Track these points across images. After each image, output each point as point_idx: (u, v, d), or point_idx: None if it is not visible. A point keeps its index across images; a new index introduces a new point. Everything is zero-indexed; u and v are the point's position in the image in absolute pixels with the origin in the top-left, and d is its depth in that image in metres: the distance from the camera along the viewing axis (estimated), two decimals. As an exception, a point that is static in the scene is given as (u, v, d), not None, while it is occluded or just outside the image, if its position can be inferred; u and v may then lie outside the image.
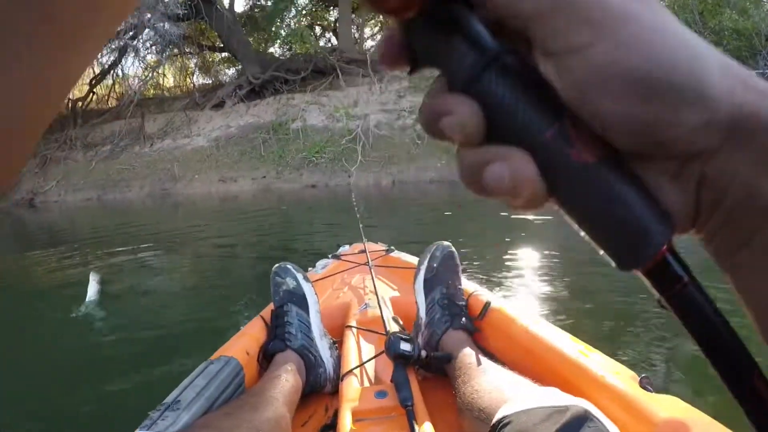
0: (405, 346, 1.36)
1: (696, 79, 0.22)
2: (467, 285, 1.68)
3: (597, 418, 0.79)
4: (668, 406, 0.95)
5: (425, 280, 1.58)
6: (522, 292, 3.66)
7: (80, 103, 15.79)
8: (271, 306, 1.62)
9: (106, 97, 17.41)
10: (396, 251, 2.38)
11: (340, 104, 13.09)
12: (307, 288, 1.59)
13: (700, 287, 0.26)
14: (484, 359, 1.27)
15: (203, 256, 5.99)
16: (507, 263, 4.33)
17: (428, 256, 1.61)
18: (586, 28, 0.22)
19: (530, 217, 6.50)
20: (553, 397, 0.88)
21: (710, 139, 0.23)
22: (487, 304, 1.54)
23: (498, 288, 3.61)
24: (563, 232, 5.74)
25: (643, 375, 1.06)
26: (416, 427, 1.10)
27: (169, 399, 1.11)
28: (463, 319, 1.51)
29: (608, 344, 2.68)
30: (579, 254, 4.50)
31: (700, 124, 0.23)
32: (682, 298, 0.26)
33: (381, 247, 2.47)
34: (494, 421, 0.90)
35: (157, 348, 3.20)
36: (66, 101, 15.63)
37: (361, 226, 2.40)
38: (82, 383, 2.85)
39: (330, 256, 2.39)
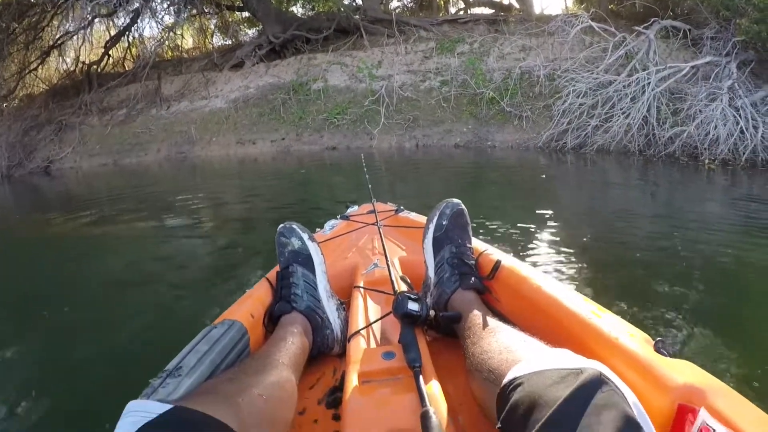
0: (413, 306, 1.36)
1: None
2: (477, 244, 1.66)
3: (612, 381, 0.78)
4: (684, 372, 0.94)
5: (434, 239, 1.57)
6: (535, 253, 3.65)
7: (95, 67, 15.78)
8: (277, 268, 1.62)
9: (122, 60, 17.40)
10: (405, 211, 2.37)
11: (364, 65, 12.96)
12: (312, 248, 1.58)
13: None
14: (493, 319, 1.26)
15: (218, 219, 6.03)
16: (523, 227, 4.31)
17: (437, 213, 1.59)
18: None
19: (554, 186, 6.49)
20: (566, 358, 0.87)
21: None
22: (498, 263, 1.52)
23: (510, 250, 3.59)
24: (584, 201, 5.73)
25: (658, 338, 1.04)
26: (424, 389, 1.09)
27: (170, 365, 1.11)
28: (473, 278, 1.50)
29: (622, 307, 2.68)
30: (597, 222, 4.49)
31: None
32: None
33: (390, 207, 2.45)
34: (504, 382, 0.90)
35: (164, 312, 3.24)
36: (80, 66, 15.69)
37: (369, 186, 2.39)
38: (82, 346, 2.91)
39: (338, 216, 2.38)
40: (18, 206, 9.23)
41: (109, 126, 13.61)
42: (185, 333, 1.27)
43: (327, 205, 5.85)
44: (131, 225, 6.00)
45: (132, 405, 0.83)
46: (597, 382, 0.76)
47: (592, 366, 0.80)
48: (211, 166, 11.06)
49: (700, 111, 7.62)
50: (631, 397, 0.76)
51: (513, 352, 1.01)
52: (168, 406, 0.80)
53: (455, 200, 1.62)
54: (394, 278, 1.55)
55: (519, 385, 0.84)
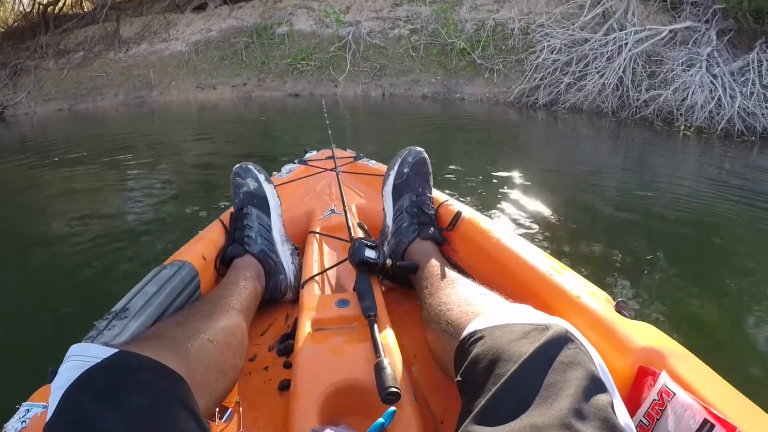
0: (370, 253, 1.35)
1: None
2: (438, 194, 1.65)
3: (578, 339, 0.77)
4: (645, 334, 0.94)
5: (394, 186, 1.56)
6: (497, 208, 3.67)
7: (52, 8, 15.21)
8: (231, 209, 1.60)
9: (80, 1, 16.80)
10: (365, 158, 2.35)
11: (331, 9, 12.70)
12: (268, 190, 1.56)
13: None
14: (452, 271, 1.26)
15: (174, 164, 5.95)
16: (487, 181, 4.34)
17: (399, 160, 1.58)
18: None
19: (522, 142, 6.52)
20: (528, 314, 0.86)
21: None
22: (458, 214, 1.52)
23: (472, 203, 3.61)
24: (552, 159, 5.77)
25: (619, 299, 1.05)
26: (378, 338, 1.10)
27: (117, 307, 1.09)
28: (432, 228, 1.50)
29: (584, 266, 2.72)
30: (564, 180, 4.54)
31: None
32: None
33: (350, 153, 2.43)
34: (464, 335, 0.89)
35: (115, 255, 3.21)
36: (36, 6, 15.14)
37: (329, 132, 2.36)
38: (28, 288, 2.88)
39: (296, 161, 2.35)
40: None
41: (65, 69, 13.17)
42: (136, 276, 1.24)
43: (287, 151, 5.80)
44: (86, 169, 5.88)
45: (74, 348, 0.81)
46: (563, 339, 0.75)
47: (558, 323, 0.80)
48: (170, 111, 10.84)
49: (678, 76, 7.62)
50: (596, 357, 0.77)
51: (472, 305, 1.01)
52: (112, 350, 0.78)
53: (418, 148, 1.60)
54: (351, 224, 1.54)
55: (480, 338, 0.84)
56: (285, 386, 1.18)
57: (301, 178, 2.17)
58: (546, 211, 3.66)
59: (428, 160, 1.60)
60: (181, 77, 12.38)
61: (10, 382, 1.96)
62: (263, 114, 9.65)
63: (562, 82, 8.63)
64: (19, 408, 0.97)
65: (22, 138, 9.32)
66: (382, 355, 1.03)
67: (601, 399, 0.67)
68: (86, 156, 6.59)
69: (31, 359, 2.14)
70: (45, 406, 0.93)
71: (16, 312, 2.66)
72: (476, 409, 0.71)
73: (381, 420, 0.92)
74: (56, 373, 0.83)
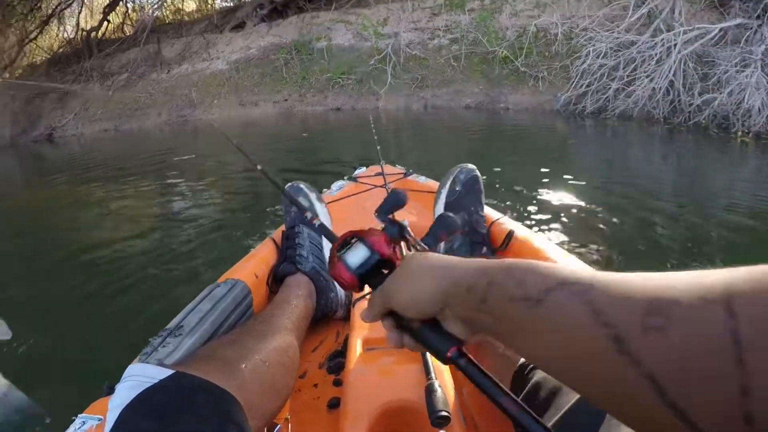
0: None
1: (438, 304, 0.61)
2: (490, 212, 1.65)
3: None
4: None
5: (446, 204, 1.57)
6: (548, 223, 3.62)
7: (94, 33, 15.77)
8: (282, 228, 1.63)
9: (121, 25, 17.35)
10: (415, 174, 2.35)
11: (369, 22, 12.79)
12: (319, 208, 1.58)
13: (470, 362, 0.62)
14: None
15: (221, 182, 6.05)
16: (536, 195, 4.28)
17: (450, 178, 1.58)
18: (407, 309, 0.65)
19: (571, 152, 6.40)
20: None
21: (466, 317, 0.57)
22: (511, 234, 1.51)
23: (522, 218, 3.58)
24: (602, 170, 5.64)
25: None
26: (430, 360, 1.09)
27: (171, 324, 1.11)
28: (485, 248, 1.50)
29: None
30: (614, 193, 4.43)
31: (462, 317, 0.58)
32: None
33: (399, 170, 2.43)
34: (522, 360, 0.89)
35: (167, 274, 3.28)
36: (80, 33, 15.71)
37: (378, 147, 2.38)
38: (86, 306, 2.96)
39: (346, 178, 2.37)
40: (23, 173, 9.32)
41: (110, 91, 13.58)
42: (188, 294, 1.27)
43: (332, 168, 5.83)
44: (133, 188, 6.05)
45: (132, 369, 0.84)
46: None
47: None
48: (213, 129, 11.04)
49: (732, 78, 7.28)
50: None
51: None
52: (169, 372, 0.81)
53: (470, 165, 1.60)
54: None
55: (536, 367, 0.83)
56: (334, 404, 1.20)
57: (352, 195, 2.19)
58: (598, 226, 3.60)
59: (480, 178, 1.60)
60: (223, 95, 12.61)
61: (67, 394, 2.03)
62: (306, 129, 9.74)
63: (609, 88, 8.47)
64: (74, 420, 1.00)
65: (71, 158, 9.59)
66: (433, 377, 1.02)
67: None
68: (133, 174, 6.76)
69: (87, 373, 2.20)
70: (100, 419, 0.96)
71: (71, 327, 2.74)
72: None
73: None
74: (111, 388, 0.86)
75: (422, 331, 0.65)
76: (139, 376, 0.80)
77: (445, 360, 0.63)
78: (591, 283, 0.42)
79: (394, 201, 0.87)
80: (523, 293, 0.47)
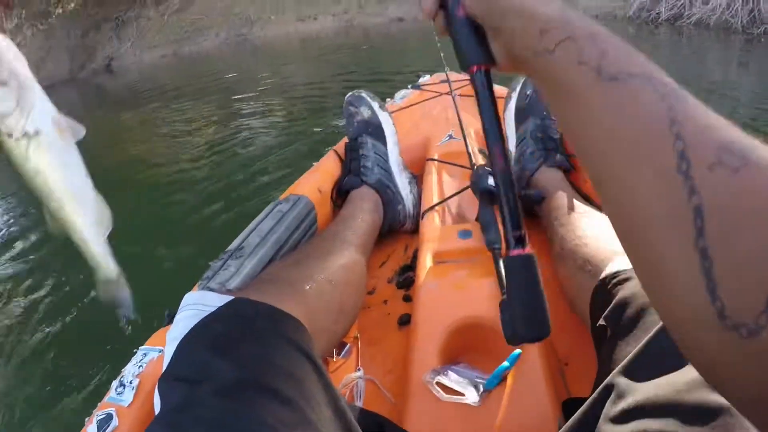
0: (493, 182, 1.30)
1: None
2: None
3: None
4: None
5: (517, 109, 1.50)
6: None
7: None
8: (345, 139, 1.59)
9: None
10: None
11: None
12: (383, 117, 1.53)
13: None
14: (583, 203, 1.20)
15: (282, 100, 6.08)
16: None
17: (521, 81, 1.51)
18: None
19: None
20: None
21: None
22: None
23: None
24: (678, 73, 5.34)
25: None
26: (503, 273, 1.06)
27: (232, 246, 1.09)
28: (559, 155, 1.43)
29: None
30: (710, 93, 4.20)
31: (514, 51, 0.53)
32: None
33: (465, 76, 2.33)
34: (605, 274, 0.85)
35: (230, 194, 3.32)
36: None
37: (442, 54, 2.29)
38: (149, 232, 3.06)
39: (409, 86, 2.30)
40: (86, 107, 9.51)
41: (165, 15, 13.59)
42: (253, 214, 1.25)
43: (396, 78, 5.74)
44: (196, 112, 6.13)
45: (189, 297, 0.83)
46: None
47: None
48: (272, 47, 11.02)
49: None
50: None
51: (612, 242, 0.94)
52: (228, 298, 0.79)
53: None
54: (471, 151, 1.48)
55: (625, 279, 0.79)
56: (405, 321, 1.18)
57: (416, 103, 2.12)
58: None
59: None
60: (281, 11, 12.50)
61: (132, 324, 2.09)
62: (367, 42, 9.60)
63: None
64: (136, 352, 0.99)
65: (131, 87, 9.76)
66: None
67: None
68: (194, 98, 6.85)
69: (147, 302, 2.27)
70: (161, 350, 0.96)
71: (132, 255, 2.81)
72: (626, 360, 0.66)
73: (506, 364, 0.90)
74: (172, 316, 0.85)
75: (460, 24, 0.59)
76: (197, 305, 0.79)
77: (465, 68, 0.61)
78: (678, 94, 0.37)
79: None
80: (598, 64, 0.42)
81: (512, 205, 0.58)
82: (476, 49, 0.58)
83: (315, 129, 4.44)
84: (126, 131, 6.11)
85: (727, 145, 0.32)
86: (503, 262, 0.61)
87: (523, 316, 0.59)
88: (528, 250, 0.58)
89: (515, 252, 0.58)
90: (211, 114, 5.92)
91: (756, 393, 0.31)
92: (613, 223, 0.41)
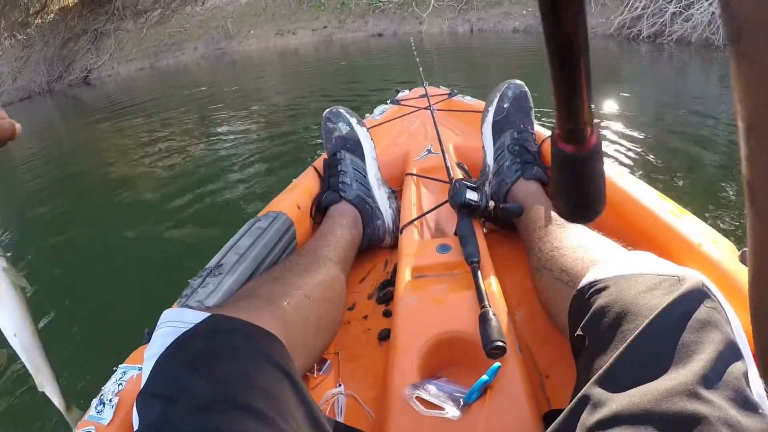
0: (472, 195, 1.31)
1: None
2: (541, 130, 1.57)
3: (714, 295, 0.71)
4: None
5: (494, 122, 1.51)
6: (605, 145, 3.50)
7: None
8: (324, 156, 1.59)
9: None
10: (459, 95, 2.27)
11: (410, -60, 12.44)
12: (361, 132, 1.54)
13: None
14: (558, 216, 1.22)
15: (260, 114, 6.07)
16: (604, 113, 4.17)
17: (498, 95, 1.51)
18: None
19: (624, 77, 6.20)
20: (655, 263, 0.80)
21: None
22: None
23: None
24: (655, 96, 5.44)
25: (744, 248, 0.93)
26: (483, 286, 1.07)
27: (211, 263, 1.09)
28: (536, 167, 1.44)
29: (700, 208, 2.56)
30: (669, 120, 4.28)
31: None
32: None
33: (443, 90, 2.36)
34: (583, 284, 0.85)
35: (206, 211, 3.31)
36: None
37: (420, 69, 2.31)
38: (127, 253, 3.02)
39: (388, 101, 2.32)
40: (63, 117, 9.49)
41: (144, 29, 13.62)
42: (231, 232, 1.26)
43: (375, 95, 5.76)
44: (173, 126, 6.12)
45: (167, 314, 0.82)
46: (700, 294, 0.69)
47: (692, 274, 0.73)
48: (251, 60, 11.02)
49: None
50: (733, 318, 0.70)
51: (589, 251, 0.95)
52: (204, 315, 0.79)
53: (518, 81, 1.53)
54: (449, 165, 1.50)
55: (603, 288, 0.79)
56: (385, 336, 1.19)
57: (395, 118, 2.14)
58: (650, 150, 3.47)
59: (529, 94, 1.53)
60: (260, 25, 12.54)
61: (108, 343, 2.08)
62: (346, 57, 9.65)
63: (666, 11, 7.99)
64: (115, 370, 0.99)
65: (108, 98, 9.71)
66: (487, 305, 1.00)
67: (735, 367, 0.62)
68: (171, 111, 6.86)
69: (127, 320, 2.25)
70: (141, 369, 0.95)
71: (111, 274, 2.79)
72: (601, 370, 0.67)
73: (485, 377, 0.90)
74: (151, 333, 0.85)
75: None
76: (174, 322, 0.79)
77: None
78: None
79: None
80: None
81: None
82: None
83: (292, 144, 4.44)
84: (102, 141, 6.10)
85: None
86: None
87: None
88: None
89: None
90: (188, 127, 5.91)
91: None
92: None
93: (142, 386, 0.71)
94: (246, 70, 10.03)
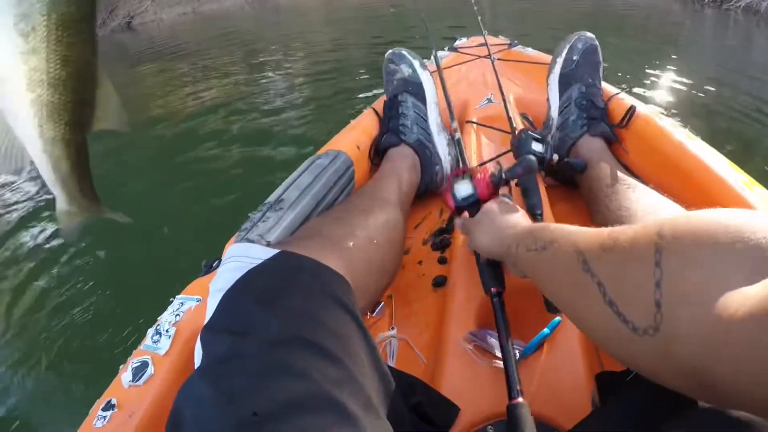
0: (537, 147, 1.27)
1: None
2: (608, 87, 1.53)
3: None
4: None
5: (561, 75, 1.47)
6: (674, 109, 3.40)
7: None
8: (383, 97, 1.57)
9: None
10: (520, 46, 2.23)
11: None
12: (424, 76, 1.50)
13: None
14: (626, 174, 1.19)
15: (308, 59, 6.03)
16: (645, 81, 4.05)
17: (567, 47, 1.47)
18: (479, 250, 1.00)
19: (683, 41, 5.99)
20: None
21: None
22: (632, 109, 1.40)
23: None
24: (718, 63, 5.23)
25: None
26: None
27: (271, 198, 1.08)
28: (603, 124, 1.41)
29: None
30: (731, 91, 4.12)
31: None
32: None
33: (503, 40, 2.31)
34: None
35: (267, 150, 3.32)
36: None
37: (479, 17, 2.28)
38: (179, 188, 3.07)
39: (446, 48, 2.28)
40: (108, 65, 9.48)
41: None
42: (287, 167, 1.26)
43: (427, 43, 5.68)
44: (220, 71, 6.10)
45: (234, 249, 0.82)
46: None
47: None
48: (295, 6, 10.91)
49: None
50: None
51: (659, 215, 0.93)
52: (273, 251, 0.79)
53: (589, 34, 1.48)
54: (511, 114, 1.47)
55: None
56: (439, 282, 1.18)
57: (454, 65, 2.10)
58: (712, 120, 3.38)
59: (599, 48, 1.48)
60: (305, -30, 12.36)
61: (166, 274, 2.11)
62: (396, 2, 9.46)
63: None
64: (172, 301, 1.01)
65: (152, 44, 9.69)
66: None
67: None
68: (216, 57, 6.83)
69: (185, 252, 2.29)
70: (199, 300, 0.97)
71: (168, 209, 2.83)
72: None
73: (546, 330, 0.91)
74: (210, 266, 0.85)
75: (482, 265, 1.00)
76: (242, 257, 0.79)
77: (487, 292, 0.97)
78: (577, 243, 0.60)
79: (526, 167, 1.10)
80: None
81: None
82: (491, 277, 0.98)
83: (341, 90, 4.41)
84: (148, 87, 6.11)
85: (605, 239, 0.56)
86: None
87: None
88: None
89: None
90: (234, 71, 5.91)
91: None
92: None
93: (207, 320, 0.71)
94: (291, 16, 9.94)
